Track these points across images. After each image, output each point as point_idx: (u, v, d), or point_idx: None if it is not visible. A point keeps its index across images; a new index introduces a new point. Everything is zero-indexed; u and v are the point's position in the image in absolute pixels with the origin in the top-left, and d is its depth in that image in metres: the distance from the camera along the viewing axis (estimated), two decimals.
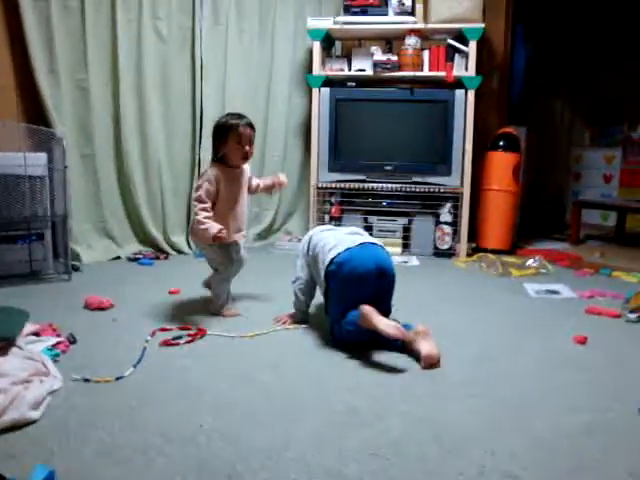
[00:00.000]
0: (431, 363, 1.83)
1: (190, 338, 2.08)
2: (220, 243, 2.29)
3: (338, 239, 2.10)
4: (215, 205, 2.32)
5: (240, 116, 2.35)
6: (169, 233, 3.77)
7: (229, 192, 2.34)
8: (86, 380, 1.69)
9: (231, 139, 2.29)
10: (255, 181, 2.55)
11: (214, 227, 2.20)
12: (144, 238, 3.75)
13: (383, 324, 1.86)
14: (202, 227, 2.22)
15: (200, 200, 2.27)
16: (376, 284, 2.01)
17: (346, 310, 1.98)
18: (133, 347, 1.97)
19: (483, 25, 3.66)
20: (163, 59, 3.68)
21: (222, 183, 2.32)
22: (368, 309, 1.90)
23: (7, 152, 2.88)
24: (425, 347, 1.86)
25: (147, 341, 2.04)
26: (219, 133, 2.32)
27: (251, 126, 2.34)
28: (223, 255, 2.39)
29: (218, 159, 2.34)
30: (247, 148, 2.31)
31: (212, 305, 2.44)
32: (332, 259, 2.02)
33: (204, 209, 2.26)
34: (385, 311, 2.01)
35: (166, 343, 2.02)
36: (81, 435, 1.38)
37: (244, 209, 2.44)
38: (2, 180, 2.83)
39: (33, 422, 1.43)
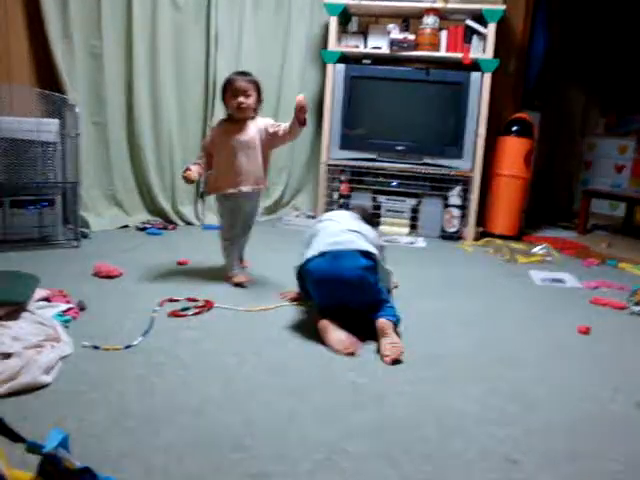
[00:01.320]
0: (392, 360, 1.76)
1: (198, 310, 2.11)
2: (188, 183, 2.40)
3: (322, 238, 2.06)
4: (214, 157, 2.47)
5: (241, 72, 2.50)
6: (178, 204, 3.78)
7: (224, 143, 2.43)
8: (96, 347, 1.72)
9: (228, 91, 2.42)
10: (282, 124, 2.45)
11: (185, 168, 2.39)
12: (153, 208, 3.76)
13: (333, 341, 1.85)
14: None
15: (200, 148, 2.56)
16: (342, 290, 1.96)
17: (321, 307, 2.01)
18: (141, 316, 2.00)
19: (504, 7, 3.60)
20: (178, 28, 3.65)
21: (219, 136, 2.45)
22: (322, 324, 1.91)
23: (20, 117, 2.88)
24: (384, 346, 1.81)
25: (155, 311, 2.06)
26: (222, 89, 2.47)
27: (250, 81, 2.42)
28: (223, 208, 2.52)
29: (227, 114, 2.50)
30: (240, 99, 2.38)
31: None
32: (307, 259, 2.03)
33: (197, 157, 2.52)
34: (370, 309, 1.96)
35: (174, 314, 2.05)
36: (91, 401, 1.42)
37: (246, 162, 2.43)
38: (14, 145, 2.83)
39: (45, 386, 1.46)
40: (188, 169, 2.36)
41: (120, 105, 3.57)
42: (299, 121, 2.34)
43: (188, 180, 2.34)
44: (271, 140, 2.47)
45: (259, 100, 2.46)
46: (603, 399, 1.61)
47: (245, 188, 2.44)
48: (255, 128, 2.45)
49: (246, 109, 2.40)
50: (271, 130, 2.45)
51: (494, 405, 1.53)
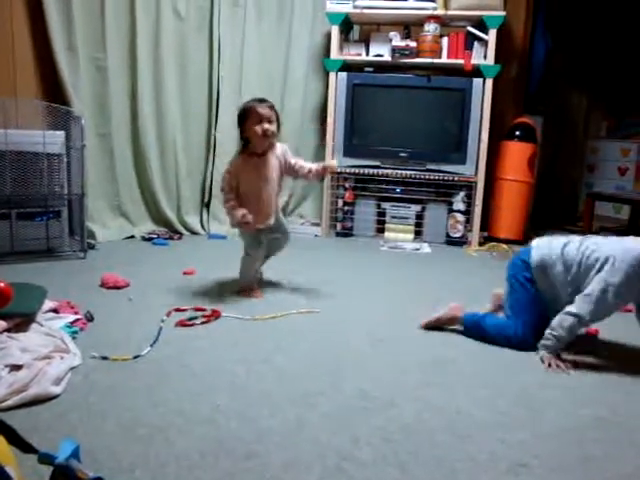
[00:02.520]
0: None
1: (205, 319, 2.11)
2: (248, 229, 2.38)
3: None
4: (239, 193, 2.39)
5: (260, 100, 2.40)
6: (183, 214, 3.80)
7: (251, 181, 2.38)
8: (104, 358, 1.73)
9: (250, 120, 2.33)
10: (305, 165, 2.50)
11: (237, 214, 2.32)
12: (158, 218, 3.78)
13: None
14: (229, 215, 2.40)
15: (223, 190, 2.40)
16: None
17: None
18: (149, 326, 2.01)
19: (504, 13, 3.62)
20: (181, 39, 3.68)
21: (243, 173, 2.38)
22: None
23: (26, 130, 2.90)
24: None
25: (163, 321, 2.07)
26: (241, 118, 2.38)
27: (271, 107, 2.38)
28: (252, 240, 2.47)
29: (244, 147, 2.40)
30: (266, 125, 2.32)
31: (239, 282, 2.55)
32: None
33: (227, 200, 2.38)
34: None
35: (182, 324, 2.06)
36: (101, 412, 1.42)
37: (272, 196, 2.44)
38: (21, 157, 2.86)
39: (55, 397, 1.47)
40: (244, 216, 2.30)
41: (125, 116, 3.60)
42: (319, 177, 2.52)
43: (250, 228, 2.34)
44: (287, 171, 2.50)
45: (278, 127, 2.40)
46: (613, 402, 1.61)
47: (272, 221, 2.47)
48: (276, 159, 2.44)
49: (271, 136, 2.36)
50: (291, 162, 2.47)
51: (503, 410, 1.53)
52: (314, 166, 2.50)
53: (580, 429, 1.45)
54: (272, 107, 2.38)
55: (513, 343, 1.96)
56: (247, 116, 2.34)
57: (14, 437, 1.03)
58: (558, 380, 1.74)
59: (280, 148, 2.46)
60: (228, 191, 2.37)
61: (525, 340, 1.95)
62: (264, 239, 2.48)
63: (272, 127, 2.35)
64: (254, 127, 2.32)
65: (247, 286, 2.49)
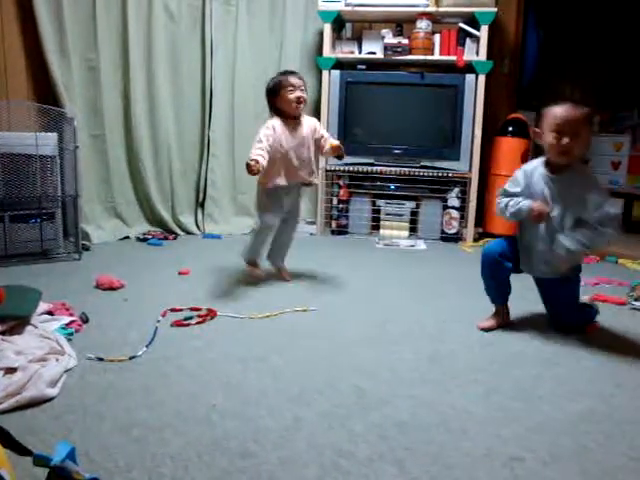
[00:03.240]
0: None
1: (201, 319, 2.11)
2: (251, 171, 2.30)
3: None
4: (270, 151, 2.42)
5: (290, 72, 2.57)
6: (178, 214, 3.80)
7: (282, 140, 2.47)
8: (100, 359, 1.73)
9: (283, 90, 2.47)
10: (328, 140, 2.60)
11: (251, 156, 2.30)
12: (153, 218, 3.77)
13: None
14: (249, 158, 2.30)
15: (258, 140, 2.40)
16: None
17: None
18: (145, 327, 2.01)
19: (495, 9, 3.63)
20: (173, 39, 3.67)
21: (280, 133, 2.47)
22: None
23: (18, 132, 2.89)
24: None
25: (158, 321, 2.07)
26: (272, 91, 2.51)
27: (300, 77, 2.52)
28: (272, 201, 2.53)
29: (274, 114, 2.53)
30: (299, 93, 2.46)
31: (243, 250, 2.64)
32: None
33: (259, 147, 2.36)
34: None
35: (177, 324, 2.06)
36: (97, 413, 1.42)
37: (304, 159, 2.54)
38: (14, 159, 2.85)
39: (50, 399, 1.47)
40: (257, 161, 2.27)
41: (118, 117, 3.59)
42: (338, 157, 2.58)
43: (253, 172, 2.26)
44: (316, 142, 2.61)
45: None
46: (606, 395, 1.62)
47: (294, 181, 2.55)
48: (307, 127, 2.56)
49: (304, 102, 2.50)
50: (317, 136, 2.60)
51: (497, 405, 1.54)
52: (335, 142, 2.57)
53: (573, 422, 1.46)
54: (301, 77, 2.53)
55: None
56: (281, 86, 2.47)
57: (9, 440, 1.03)
58: (551, 373, 1.75)
59: (311, 120, 2.61)
60: (262, 140, 2.38)
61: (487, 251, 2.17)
62: (285, 201, 2.56)
63: (305, 94, 2.49)
64: (289, 96, 2.45)
65: (252, 260, 2.60)
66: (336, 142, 2.56)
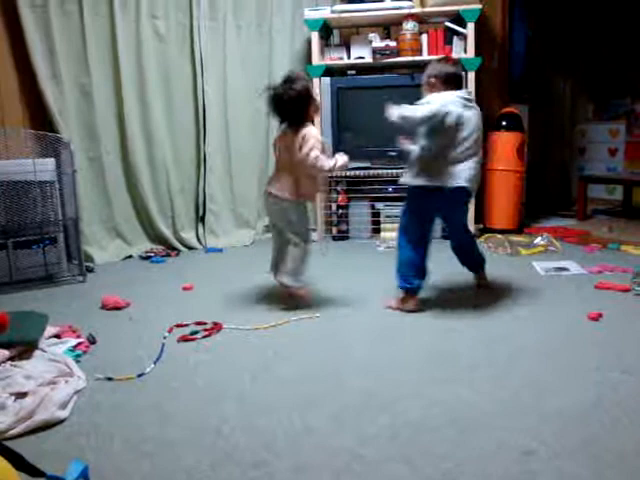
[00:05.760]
0: None
1: (207, 333, 2.12)
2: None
3: None
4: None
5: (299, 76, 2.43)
6: (179, 230, 3.81)
7: (281, 150, 2.45)
8: (109, 379, 1.74)
9: (312, 105, 2.39)
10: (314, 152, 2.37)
11: (331, 163, 2.37)
12: (154, 236, 3.79)
13: None
14: (330, 165, 2.39)
15: (318, 150, 2.35)
16: None
17: None
18: (151, 344, 2.02)
19: (480, 6, 3.65)
20: (163, 58, 3.69)
21: (279, 143, 2.47)
22: None
23: (16, 159, 2.92)
24: None
25: (165, 338, 2.08)
26: (306, 98, 2.35)
27: None
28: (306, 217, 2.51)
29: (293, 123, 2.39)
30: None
31: (291, 288, 2.45)
32: None
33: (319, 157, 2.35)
34: None
35: (184, 338, 2.07)
36: (109, 432, 1.43)
37: (284, 169, 2.46)
38: (13, 187, 2.87)
39: (62, 421, 1.48)
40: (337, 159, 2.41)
41: (113, 138, 3.61)
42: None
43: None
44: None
45: None
46: (613, 382, 1.62)
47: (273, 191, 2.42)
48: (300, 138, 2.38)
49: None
50: (304, 149, 2.35)
51: (505, 398, 1.54)
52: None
53: (582, 411, 1.46)
54: None
55: None
56: (311, 101, 2.36)
57: (22, 463, 1.04)
58: (557, 364, 1.75)
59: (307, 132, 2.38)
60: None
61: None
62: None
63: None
64: (315, 103, 2.40)
65: (303, 284, 2.46)
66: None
